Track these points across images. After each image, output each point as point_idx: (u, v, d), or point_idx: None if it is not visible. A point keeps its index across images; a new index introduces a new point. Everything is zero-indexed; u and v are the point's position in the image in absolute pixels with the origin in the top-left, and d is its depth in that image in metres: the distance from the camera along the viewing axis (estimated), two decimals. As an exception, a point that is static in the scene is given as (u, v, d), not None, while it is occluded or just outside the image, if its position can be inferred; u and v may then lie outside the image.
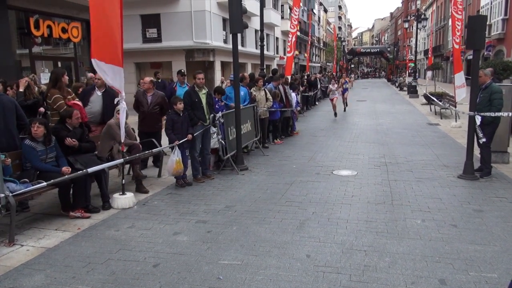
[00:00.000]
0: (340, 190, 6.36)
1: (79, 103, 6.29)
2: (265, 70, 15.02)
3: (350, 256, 4.06)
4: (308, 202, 5.81)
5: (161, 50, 22.28)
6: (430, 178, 6.93)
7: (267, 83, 11.42)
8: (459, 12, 9.97)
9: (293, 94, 12.44)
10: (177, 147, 6.42)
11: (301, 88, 17.23)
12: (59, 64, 12.36)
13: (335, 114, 16.37)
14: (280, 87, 11.24)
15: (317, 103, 22.21)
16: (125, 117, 5.92)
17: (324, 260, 3.98)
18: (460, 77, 10.75)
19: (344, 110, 18.46)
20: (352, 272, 3.73)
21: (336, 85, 17.59)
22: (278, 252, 4.19)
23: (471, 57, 7.93)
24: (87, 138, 5.92)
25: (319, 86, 22.66)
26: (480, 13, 28.96)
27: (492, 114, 6.68)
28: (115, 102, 5.89)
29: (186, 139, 6.59)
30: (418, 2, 35.20)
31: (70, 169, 5.26)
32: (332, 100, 16.87)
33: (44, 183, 4.80)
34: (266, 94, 9.98)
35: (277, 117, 10.71)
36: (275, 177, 7.25)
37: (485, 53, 28.11)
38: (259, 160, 8.65)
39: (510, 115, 7.21)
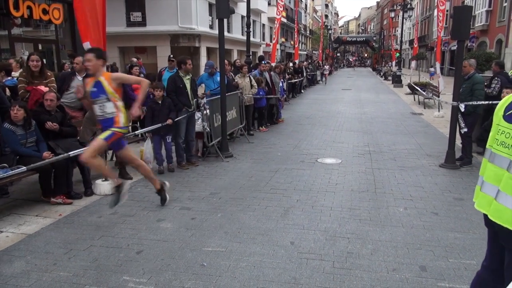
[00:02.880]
0: (325, 178, 6.40)
1: (44, 88, 6.05)
2: (251, 57, 14.91)
3: (333, 243, 4.09)
4: (293, 189, 5.83)
5: (146, 34, 21.89)
6: (412, 167, 7.03)
7: (253, 70, 11.35)
8: (441, 3, 10.05)
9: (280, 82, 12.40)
10: (149, 138, 6.58)
11: (287, 76, 17.13)
12: (40, 46, 12.02)
13: None
14: (266, 74, 11.18)
15: (302, 91, 22.23)
16: None
17: (308, 247, 4.01)
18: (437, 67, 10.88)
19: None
20: (335, 259, 3.77)
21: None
22: (262, 239, 4.20)
23: (455, 47, 7.99)
24: (68, 122, 5.78)
25: (305, 74, 22.67)
26: (465, 4, 29.24)
27: (474, 103, 6.78)
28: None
29: (166, 123, 6.49)
30: (405, -8, 35.20)
31: (51, 154, 5.15)
32: None
33: (24, 168, 4.67)
34: (250, 81, 9.91)
35: (263, 105, 10.67)
36: (260, 164, 7.25)
37: (469, 44, 28.45)
38: (244, 148, 8.63)
39: (490, 103, 7.31)
